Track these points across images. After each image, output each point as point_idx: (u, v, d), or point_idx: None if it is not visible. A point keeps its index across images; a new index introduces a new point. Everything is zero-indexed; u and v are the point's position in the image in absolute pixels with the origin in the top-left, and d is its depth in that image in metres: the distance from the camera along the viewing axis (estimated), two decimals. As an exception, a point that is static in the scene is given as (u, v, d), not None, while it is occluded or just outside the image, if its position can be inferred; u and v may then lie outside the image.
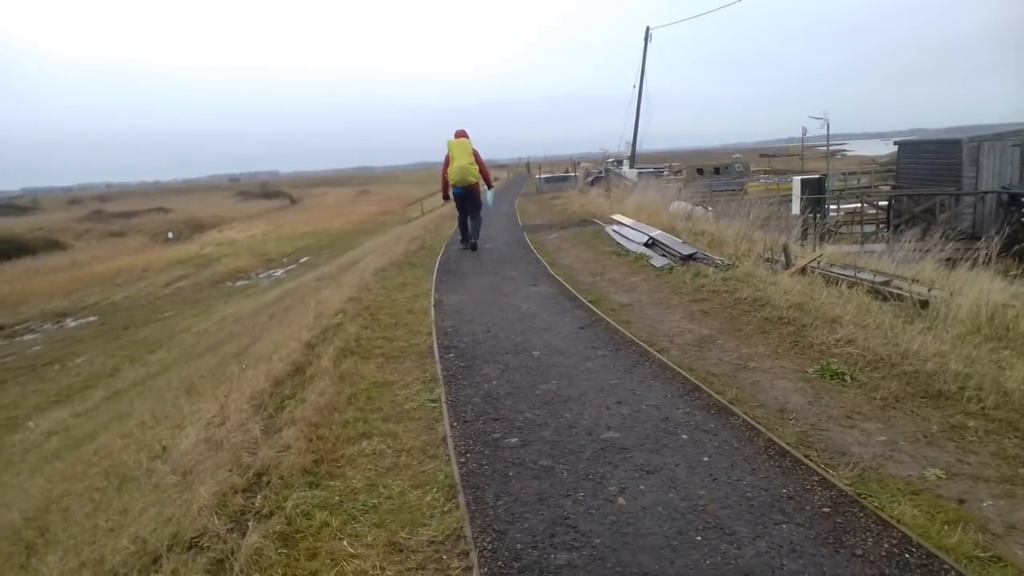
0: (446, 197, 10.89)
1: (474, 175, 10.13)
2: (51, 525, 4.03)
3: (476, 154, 10.12)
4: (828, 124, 26.69)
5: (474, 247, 10.82)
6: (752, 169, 39.46)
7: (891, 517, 2.65)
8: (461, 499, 2.97)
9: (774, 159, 53.27)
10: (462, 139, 10.15)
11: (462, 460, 3.41)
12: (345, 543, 2.69)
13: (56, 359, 16.18)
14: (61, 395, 12.31)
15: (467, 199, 10.54)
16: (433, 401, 4.27)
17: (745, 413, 3.74)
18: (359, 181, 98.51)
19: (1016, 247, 10.65)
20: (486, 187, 11.08)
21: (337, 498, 3.08)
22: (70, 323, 21.28)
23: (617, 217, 13.03)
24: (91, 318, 21.64)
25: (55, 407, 11.23)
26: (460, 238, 11.24)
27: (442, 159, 10.35)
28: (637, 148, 34.52)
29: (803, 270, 7.11)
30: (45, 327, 21.09)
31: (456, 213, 11.43)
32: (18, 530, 4.30)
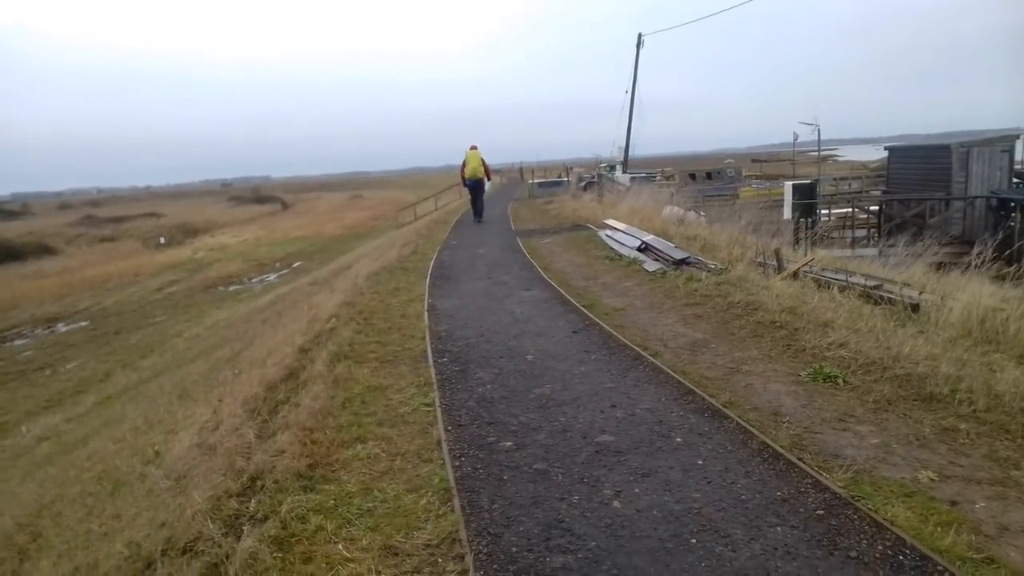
0: (464, 183, 17.54)
1: (481, 173, 16.54)
2: (44, 530, 4.00)
3: (484, 161, 16.46)
4: (819, 130, 26.87)
5: (480, 218, 17.39)
6: (744, 174, 39.67)
7: (885, 519, 2.67)
8: (456, 503, 2.98)
9: (766, 164, 53.55)
10: (475, 151, 16.28)
11: (457, 464, 3.41)
12: (340, 547, 2.69)
13: (47, 364, 16.06)
14: (52, 400, 12.21)
15: (476, 187, 17.04)
16: (427, 405, 4.27)
17: (739, 416, 3.76)
18: (352, 186, 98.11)
19: (1006, 251, 10.73)
20: (487, 180, 17.44)
21: (332, 502, 3.07)
22: (61, 328, 21.11)
23: (610, 222, 13.05)
24: (82, 323, 21.48)
25: (46, 412, 11.13)
26: (473, 214, 17.67)
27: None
28: (630, 153, 34.59)
29: (795, 274, 7.14)
30: (36, 332, 20.93)
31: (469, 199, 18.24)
32: (10, 535, 4.26)
